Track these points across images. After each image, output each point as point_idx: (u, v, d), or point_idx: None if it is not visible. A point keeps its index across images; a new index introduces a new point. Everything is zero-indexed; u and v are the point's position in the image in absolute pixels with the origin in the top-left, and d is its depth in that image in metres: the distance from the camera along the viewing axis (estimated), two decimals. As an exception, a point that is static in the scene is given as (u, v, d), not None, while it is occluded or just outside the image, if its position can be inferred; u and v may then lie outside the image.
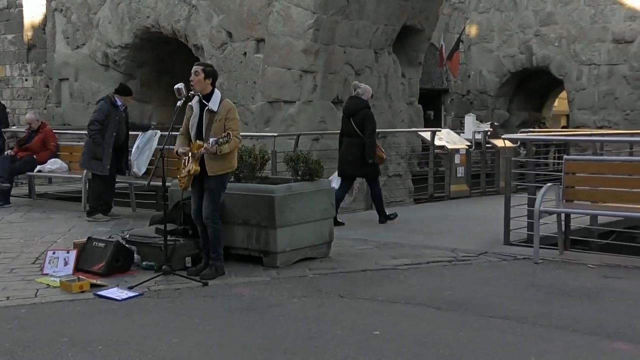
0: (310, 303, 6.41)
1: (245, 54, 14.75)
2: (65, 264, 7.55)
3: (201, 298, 6.61)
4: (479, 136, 17.10)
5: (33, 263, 8.00)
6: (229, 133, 7.06)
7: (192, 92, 7.39)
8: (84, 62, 17.70)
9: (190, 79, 7.37)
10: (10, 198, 12.73)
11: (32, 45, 21.07)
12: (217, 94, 7.34)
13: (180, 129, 7.64)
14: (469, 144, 15.18)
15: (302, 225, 7.83)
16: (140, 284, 6.92)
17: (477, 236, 9.39)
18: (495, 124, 21.37)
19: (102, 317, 6.07)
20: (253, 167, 7.99)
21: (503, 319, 5.84)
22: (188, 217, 7.74)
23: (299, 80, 14.03)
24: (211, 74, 7.38)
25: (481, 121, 23.38)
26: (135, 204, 11.93)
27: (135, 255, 7.80)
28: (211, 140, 7.07)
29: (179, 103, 7.51)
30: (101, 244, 7.59)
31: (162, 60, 17.63)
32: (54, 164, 12.30)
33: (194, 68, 7.39)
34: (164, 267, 7.18)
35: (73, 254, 7.61)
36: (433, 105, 25.62)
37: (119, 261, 7.48)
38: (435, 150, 14.28)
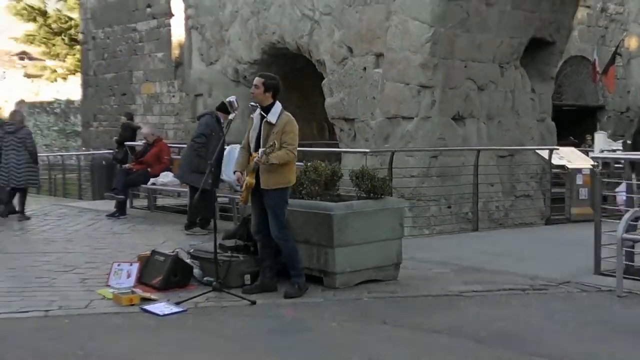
0: (347, 328, 6.10)
1: (364, 69, 14.53)
2: (128, 276, 7.62)
3: (240, 317, 6.46)
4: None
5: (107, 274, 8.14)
6: (274, 142, 6.90)
7: (252, 104, 7.31)
8: (216, 78, 18.12)
9: (251, 90, 7.30)
10: (131, 210, 13.19)
11: (178, 63, 21.82)
12: (277, 106, 7.23)
13: (242, 142, 7.57)
14: (594, 163, 14.17)
15: (365, 245, 7.52)
16: (188, 299, 6.86)
17: (570, 263, 8.67)
18: (628, 142, 19.88)
19: (133, 332, 6.06)
20: (316, 183, 7.74)
21: (542, 358, 5.29)
22: (250, 233, 7.64)
23: (417, 95, 13.64)
24: (272, 86, 7.27)
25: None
26: (237, 218, 11.97)
27: (198, 271, 7.76)
28: (260, 150, 6.94)
29: (230, 116, 7.46)
30: (161, 258, 7.60)
31: (290, 75, 17.69)
32: (165, 177, 12.59)
33: (255, 80, 7.31)
34: (214, 283, 7.10)
35: (135, 266, 7.68)
36: (585, 123, 24.30)
37: (176, 276, 7.46)
38: (556, 170, 13.42)
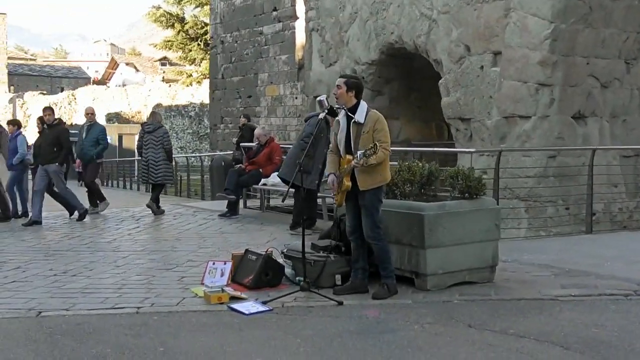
0: (429, 331, 5.96)
1: (482, 67, 14.21)
2: (222, 274, 7.73)
3: (324, 318, 6.41)
4: None
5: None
6: (375, 144, 6.82)
7: (337, 107, 7.25)
8: (335, 79, 17.97)
9: (334, 91, 7.24)
10: (244, 210, 13.42)
11: (301, 65, 22.08)
12: (362, 105, 7.16)
13: (330, 147, 7.52)
14: None
15: (458, 246, 7.33)
16: (275, 299, 6.88)
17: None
18: None
19: (217, 330, 6.12)
20: (410, 183, 7.61)
21: (630, 367, 4.99)
22: (343, 233, 7.61)
23: (535, 94, 13.23)
24: (354, 85, 7.20)
25: None
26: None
27: (290, 270, 7.79)
28: (358, 152, 6.88)
29: (321, 115, 7.44)
30: (253, 257, 7.67)
31: (409, 75, 17.59)
32: (276, 178, 12.71)
33: (337, 81, 7.26)
34: (302, 283, 7.10)
35: (229, 265, 7.78)
36: None
37: (267, 275, 7.50)
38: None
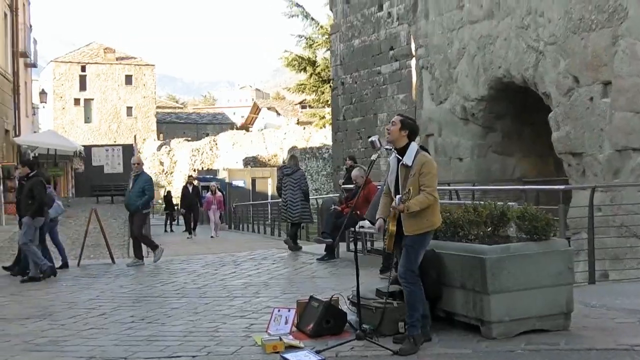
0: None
1: (591, 99, 13.59)
2: (286, 322, 7.63)
3: (374, 369, 6.19)
4: None
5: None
6: (409, 189, 6.58)
7: (387, 147, 7.07)
8: (445, 117, 17.89)
9: (387, 127, 7.07)
10: (347, 253, 13.31)
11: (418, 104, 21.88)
12: (412, 147, 6.93)
13: (384, 189, 7.32)
14: None
15: (525, 291, 6.91)
16: (331, 347, 6.71)
17: None
18: None
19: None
20: (475, 225, 7.29)
21: None
22: (409, 278, 7.36)
23: (648, 124, 12.52)
24: (409, 126, 7.00)
25: None
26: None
27: (355, 318, 7.59)
28: (397, 198, 6.68)
29: (373, 157, 7.28)
30: (316, 304, 7.53)
31: (521, 110, 17.07)
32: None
33: (394, 118, 7.08)
34: (357, 331, 6.89)
35: (292, 312, 7.68)
36: None
37: (329, 322, 7.33)
38: None
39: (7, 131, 26.77)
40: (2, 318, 9.16)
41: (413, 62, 22.23)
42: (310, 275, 11.51)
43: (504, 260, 6.86)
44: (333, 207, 13.29)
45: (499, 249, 6.94)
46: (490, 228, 7.49)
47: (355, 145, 25.58)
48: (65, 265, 13.90)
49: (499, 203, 7.74)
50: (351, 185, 13.79)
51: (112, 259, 14.80)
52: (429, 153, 10.78)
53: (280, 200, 15.51)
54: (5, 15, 27.37)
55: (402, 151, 6.94)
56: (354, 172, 13.19)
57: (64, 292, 11.17)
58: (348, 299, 7.85)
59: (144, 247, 14.54)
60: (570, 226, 12.39)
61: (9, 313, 9.51)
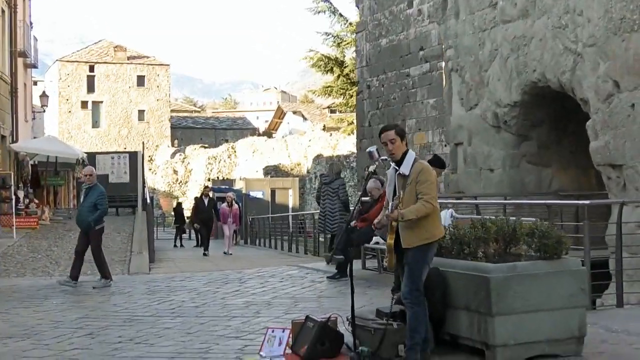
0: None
1: (632, 106, 13.75)
2: (280, 343, 7.90)
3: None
4: None
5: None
6: (400, 194, 6.89)
7: (384, 158, 7.36)
8: (476, 124, 18.09)
9: (389, 148, 7.30)
10: (361, 271, 13.58)
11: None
12: (409, 155, 7.22)
13: (386, 199, 7.61)
14: None
15: (534, 314, 7.14)
16: (323, 371, 6.99)
17: None
18: None
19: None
20: (483, 242, 7.54)
21: None
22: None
23: (690, 134, 12.68)
24: (402, 132, 7.33)
25: None
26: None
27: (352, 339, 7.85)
28: (390, 205, 6.97)
29: (370, 168, 7.56)
30: (311, 324, 7.79)
31: (559, 118, 17.24)
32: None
33: (384, 136, 7.31)
34: (351, 354, 7.16)
35: (287, 332, 7.94)
36: None
37: (323, 344, 7.58)
38: None
39: (3, 137, 27.30)
40: (-16, 337, 9.55)
41: (444, 64, 22.50)
42: (317, 295, 11.81)
43: (510, 280, 7.10)
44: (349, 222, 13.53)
45: (505, 267, 7.18)
46: (501, 245, 7.73)
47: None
48: None
49: (511, 218, 7.98)
50: (367, 198, 14.04)
51: (108, 275, 15.14)
52: (443, 164, 11.09)
53: (318, 210, 16.42)
54: (3, 11, 27.93)
55: (400, 160, 7.21)
56: (370, 184, 13.43)
57: (53, 310, 11.54)
58: (347, 319, 8.10)
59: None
60: (608, 244, 12.60)
61: (-8, 331, 9.90)
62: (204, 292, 12.69)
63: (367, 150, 7.57)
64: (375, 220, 7.55)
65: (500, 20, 17.26)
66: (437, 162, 11.44)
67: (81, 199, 14.68)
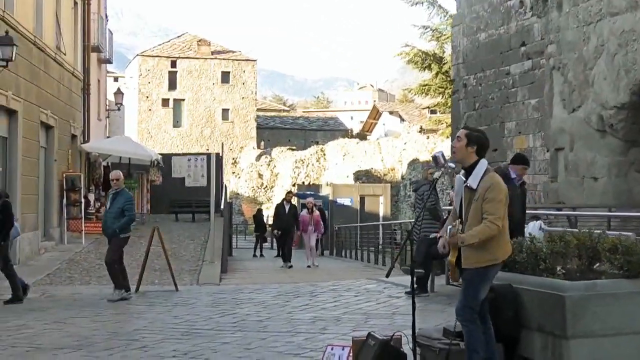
0: None
1: None
2: (339, 361, 8.03)
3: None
4: None
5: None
6: (456, 223, 6.92)
7: (449, 164, 7.38)
8: (579, 127, 17.85)
9: (452, 144, 7.37)
10: (443, 287, 13.58)
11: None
12: (481, 165, 7.16)
13: (453, 206, 7.64)
14: None
15: (614, 337, 7.07)
16: (382, 394, 7.06)
17: None
18: None
19: None
20: (563, 257, 7.50)
21: None
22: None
23: None
24: (477, 140, 7.25)
25: None
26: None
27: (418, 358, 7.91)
28: (448, 228, 7.00)
29: (435, 174, 7.59)
30: (372, 342, 7.87)
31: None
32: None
33: (459, 132, 7.37)
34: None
35: (347, 350, 8.05)
36: None
37: (384, 364, 7.68)
38: None
39: (74, 136, 27.97)
40: (36, 347, 9.94)
41: (548, 60, 22.24)
42: (392, 311, 11.84)
43: (588, 300, 7.04)
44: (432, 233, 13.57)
45: (582, 285, 7.12)
46: (584, 262, 7.68)
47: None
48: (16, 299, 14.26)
49: (596, 232, 7.91)
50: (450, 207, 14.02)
51: (176, 285, 15.53)
52: (525, 160, 10.96)
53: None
54: (75, 4, 28.61)
55: (470, 169, 7.20)
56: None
57: (110, 320, 11.90)
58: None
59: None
60: None
61: (45, 342, 10.28)
62: (271, 305, 12.89)
63: (432, 154, 7.62)
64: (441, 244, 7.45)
65: (607, 12, 17.00)
66: (517, 159, 11.43)
67: (107, 205, 14.95)
